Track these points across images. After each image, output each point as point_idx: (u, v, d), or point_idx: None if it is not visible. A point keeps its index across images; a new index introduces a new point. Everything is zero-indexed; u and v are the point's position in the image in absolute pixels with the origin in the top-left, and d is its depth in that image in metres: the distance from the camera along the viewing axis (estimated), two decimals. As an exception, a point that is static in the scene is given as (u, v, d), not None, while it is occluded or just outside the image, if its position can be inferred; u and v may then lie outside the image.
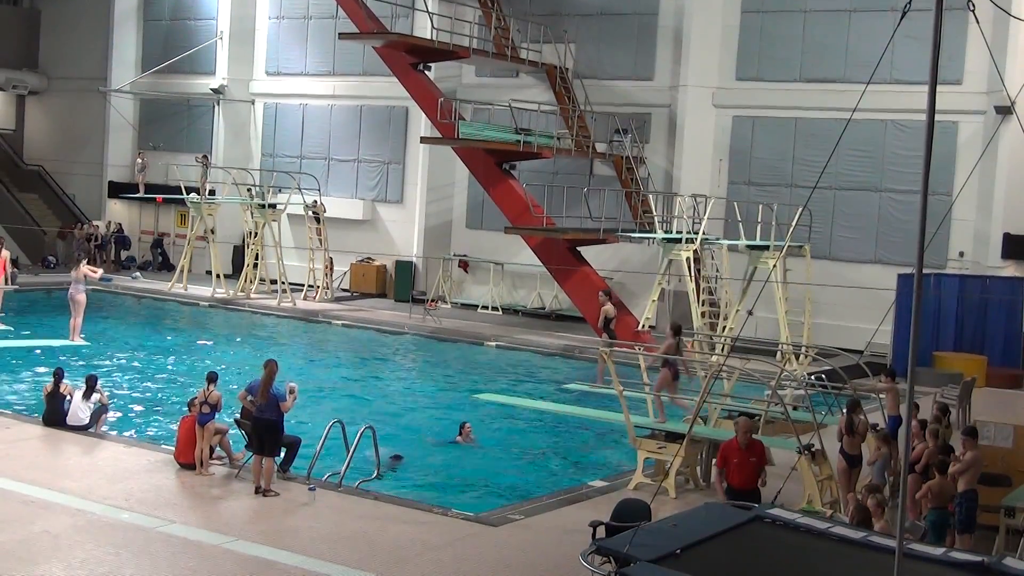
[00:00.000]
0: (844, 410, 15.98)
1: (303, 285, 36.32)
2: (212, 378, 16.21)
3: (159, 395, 22.53)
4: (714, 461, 16.73)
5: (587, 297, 29.90)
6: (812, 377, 20.44)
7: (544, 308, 35.46)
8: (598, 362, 24.41)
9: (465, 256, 37.31)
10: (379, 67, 35.97)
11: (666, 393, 18.01)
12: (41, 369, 23.29)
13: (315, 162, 39.96)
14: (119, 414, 20.04)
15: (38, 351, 25.72)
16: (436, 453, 19.09)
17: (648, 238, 30.14)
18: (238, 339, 30.11)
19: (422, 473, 17.84)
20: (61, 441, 17.12)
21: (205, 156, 38.58)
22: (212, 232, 36.28)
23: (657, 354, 19.90)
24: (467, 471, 18.15)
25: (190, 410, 16.06)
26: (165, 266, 41.81)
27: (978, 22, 12.37)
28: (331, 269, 36.94)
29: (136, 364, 25.58)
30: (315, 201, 36.48)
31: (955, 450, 14.20)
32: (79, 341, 26.61)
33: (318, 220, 36.37)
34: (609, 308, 25.35)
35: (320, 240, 36.30)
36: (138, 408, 21.20)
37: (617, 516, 12.12)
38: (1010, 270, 28.80)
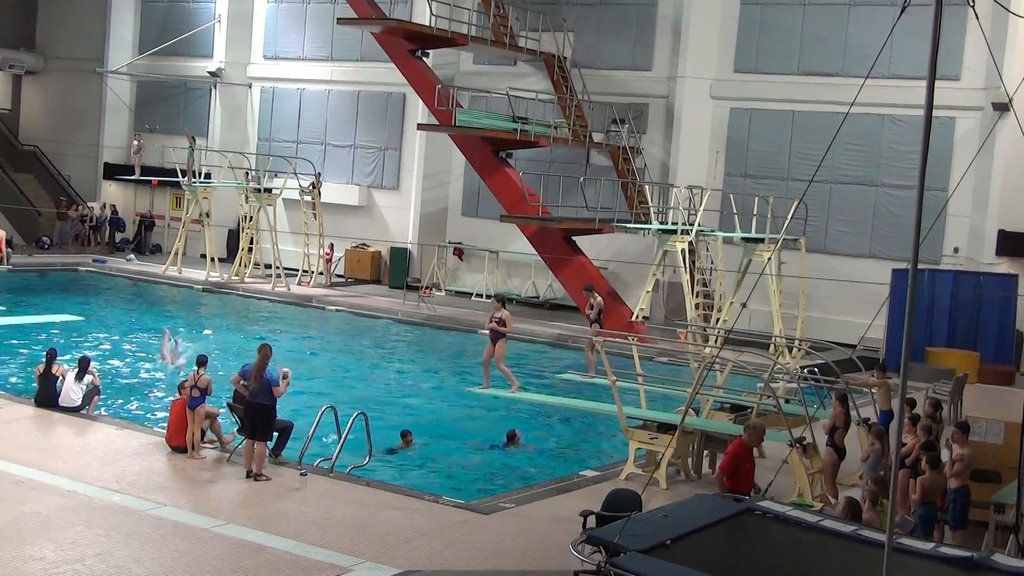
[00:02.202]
0: (838, 403, 15.97)
1: (298, 270, 36.30)
2: (202, 362, 16.21)
3: (151, 377, 22.50)
4: (707, 454, 16.80)
5: (581, 288, 29.90)
6: (805, 371, 20.48)
7: (538, 297, 35.47)
8: (587, 353, 24.50)
9: (460, 244, 37.29)
10: (377, 53, 35.92)
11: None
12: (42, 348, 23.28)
13: (311, 147, 39.90)
14: (119, 400, 20.02)
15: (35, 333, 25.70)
16: (443, 445, 18.97)
17: (643, 229, 30.15)
18: (231, 323, 30.11)
19: (415, 460, 17.85)
20: (53, 422, 17.11)
21: (192, 136, 38.38)
22: (207, 216, 36.24)
23: (490, 326, 22.04)
24: (459, 459, 18.16)
25: (180, 393, 16.05)
26: (139, 248, 41.66)
27: (977, 18, 12.36)
28: (331, 254, 36.94)
29: (129, 346, 25.55)
30: (317, 175, 36.47)
31: (938, 447, 14.23)
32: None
33: (314, 187, 36.24)
34: (600, 300, 25.38)
35: (315, 215, 36.21)
36: (130, 390, 21.18)
37: (608, 506, 12.13)
38: (1004, 267, 28.85)
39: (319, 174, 36.87)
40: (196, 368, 16.09)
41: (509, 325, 22.56)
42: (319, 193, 36.46)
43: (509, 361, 23.16)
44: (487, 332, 22.60)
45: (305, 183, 36.16)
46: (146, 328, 27.80)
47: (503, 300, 23.34)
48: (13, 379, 21.05)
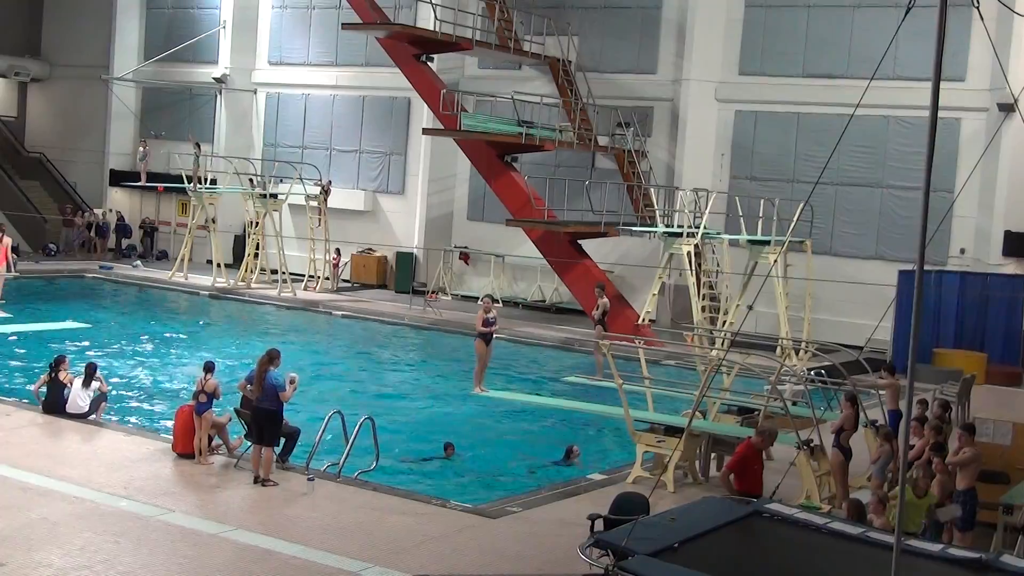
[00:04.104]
0: (847, 403, 15.93)
1: (304, 275, 36.32)
2: (209, 367, 16.19)
3: (158, 383, 22.51)
4: (714, 457, 16.78)
5: (587, 290, 29.87)
6: (812, 373, 20.45)
7: (544, 301, 35.47)
8: (595, 355, 24.53)
9: (466, 248, 37.29)
10: (382, 58, 35.94)
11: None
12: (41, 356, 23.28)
13: (317, 152, 39.93)
14: (127, 405, 20.03)
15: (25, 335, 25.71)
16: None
17: (649, 232, 30.14)
18: (238, 329, 30.15)
19: (421, 465, 17.85)
20: (60, 429, 17.12)
21: (197, 143, 38.44)
22: (213, 221, 36.28)
23: (492, 329, 22.59)
24: (466, 463, 18.13)
25: (196, 399, 16.02)
26: (148, 252, 41.88)
27: (982, 19, 12.37)
28: (338, 259, 36.96)
29: (136, 352, 25.57)
30: (327, 181, 36.48)
31: (947, 448, 14.19)
32: None
33: (324, 192, 36.26)
34: (606, 301, 25.38)
35: (320, 221, 36.22)
36: (138, 396, 21.20)
37: (615, 509, 12.12)
38: (1011, 267, 28.80)
39: (329, 181, 36.87)
40: (203, 374, 16.08)
41: (496, 324, 23.06)
42: (325, 199, 36.49)
43: (503, 363, 23.33)
44: (486, 331, 22.58)
45: (315, 189, 36.19)
46: (152, 334, 27.83)
47: (494, 299, 23.77)
48: (20, 386, 21.03)
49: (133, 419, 19.26)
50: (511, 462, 18.46)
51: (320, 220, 36.35)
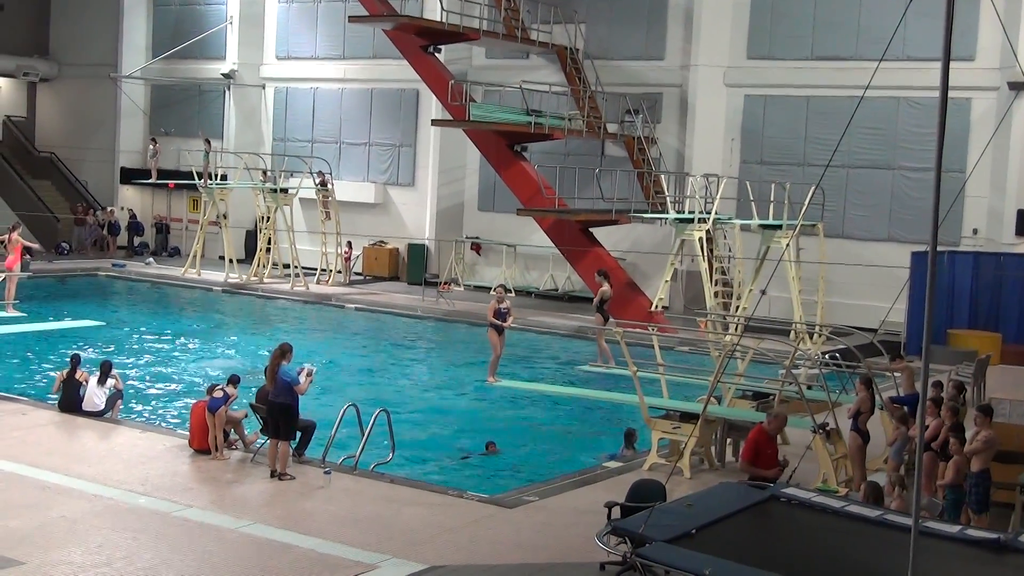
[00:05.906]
0: (862, 387, 15.91)
1: (316, 269, 36.37)
2: (234, 381, 16.28)
3: (174, 380, 22.57)
4: (730, 442, 16.78)
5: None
6: (826, 356, 20.41)
7: (557, 290, 35.46)
8: (599, 343, 24.52)
9: (477, 238, 37.29)
10: (389, 50, 35.92)
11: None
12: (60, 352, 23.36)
13: (326, 146, 39.94)
14: (142, 404, 20.09)
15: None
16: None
17: (660, 218, 30.10)
18: (252, 323, 30.22)
19: (438, 455, 17.88)
20: (77, 427, 17.19)
21: (207, 139, 38.50)
22: (224, 217, 36.32)
23: (507, 324, 22.68)
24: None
25: (209, 395, 16.07)
26: (163, 249, 41.99)
27: (991, -3, 12.29)
28: (350, 252, 36.98)
29: (151, 349, 25.64)
30: (319, 172, 36.41)
31: (965, 429, 14.15)
32: None
33: (324, 185, 36.26)
34: (606, 289, 25.25)
35: (328, 214, 36.22)
36: (153, 393, 21.26)
37: (632, 497, 12.13)
38: (1024, 247, 28.69)
39: (320, 172, 36.66)
40: (227, 383, 16.13)
41: (510, 313, 23.16)
42: (324, 190, 36.43)
43: (516, 352, 23.38)
44: (498, 322, 22.61)
45: (314, 180, 36.20)
46: (167, 331, 27.89)
47: (507, 289, 23.98)
48: (36, 385, 21.12)
49: (149, 416, 19.34)
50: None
51: (327, 213, 36.37)
